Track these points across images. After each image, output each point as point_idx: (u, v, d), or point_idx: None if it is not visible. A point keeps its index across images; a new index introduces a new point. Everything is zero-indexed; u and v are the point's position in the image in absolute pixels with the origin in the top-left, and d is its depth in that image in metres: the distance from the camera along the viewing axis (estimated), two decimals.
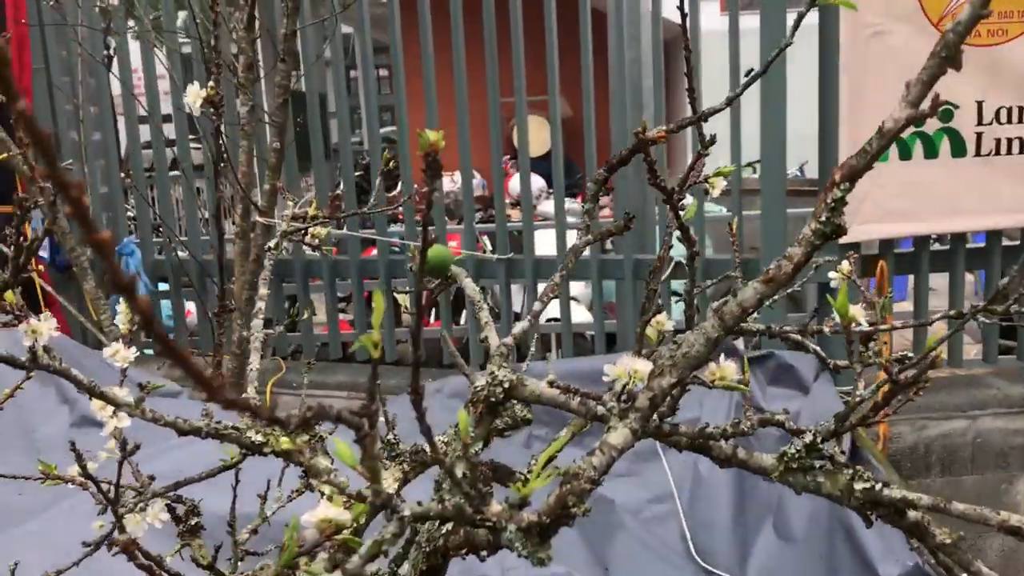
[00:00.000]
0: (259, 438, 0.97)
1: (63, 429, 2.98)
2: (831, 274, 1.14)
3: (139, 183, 4.03)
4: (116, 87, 4.03)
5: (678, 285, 3.93)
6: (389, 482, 0.98)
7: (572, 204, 5.17)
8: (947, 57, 0.59)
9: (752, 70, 0.92)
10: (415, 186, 3.72)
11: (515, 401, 0.97)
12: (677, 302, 4.09)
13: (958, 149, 3.33)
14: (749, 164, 6.16)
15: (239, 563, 1.16)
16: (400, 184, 4.08)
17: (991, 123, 3.30)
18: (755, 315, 0.90)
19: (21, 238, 0.87)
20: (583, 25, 3.61)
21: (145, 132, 4.10)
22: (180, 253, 3.95)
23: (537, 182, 6.29)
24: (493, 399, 0.93)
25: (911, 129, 3.27)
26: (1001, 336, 3.69)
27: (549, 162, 3.91)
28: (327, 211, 1.53)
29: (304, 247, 1.52)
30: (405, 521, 0.67)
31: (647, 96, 3.78)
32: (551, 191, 4.59)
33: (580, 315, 4.37)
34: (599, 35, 3.65)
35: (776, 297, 0.83)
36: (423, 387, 0.61)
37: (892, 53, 3.21)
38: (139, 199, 4.07)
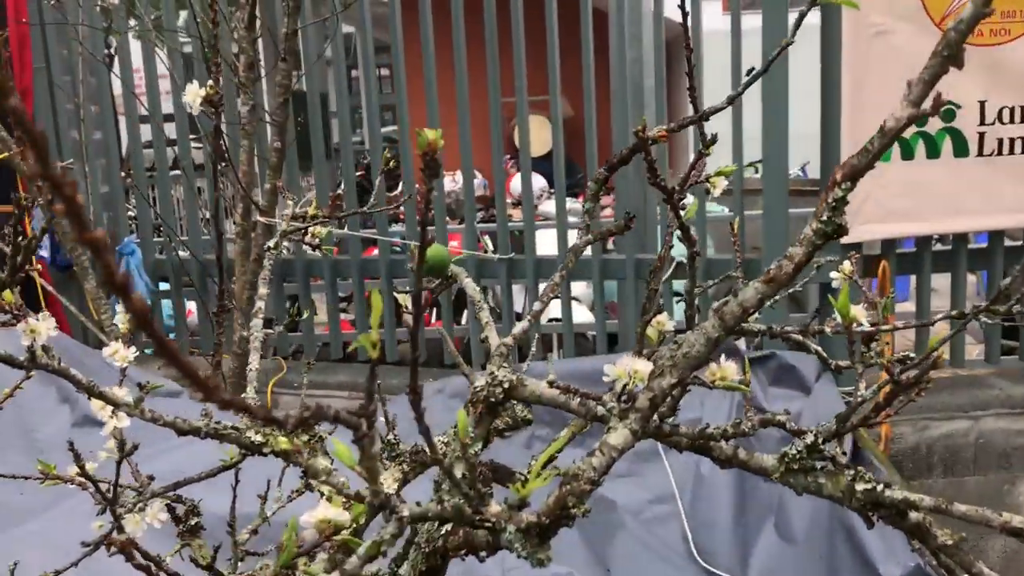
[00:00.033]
0: (258, 438, 0.97)
1: (64, 429, 2.97)
2: (833, 274, 1.14)
3: (140, 183, 4.03)
4: (117, 86, 4.03)
5: (679, 285, 3.92)
6: (388, 482, 0.97)
7: (573, 204, 5.17)
8: (949, 56, 0.59)
9: (753, 69, 0.92)
10: (416, 186, 3.71)
11: (515, 401, 0.97)
12: (679, 302, 4.09)
13: (960, 149, 3.32)
14: (751, 164, 6.16)
15: (239, 563, 1.16)
16: (401, 184, 4.07)
17: (993, 123, 3.30)
18: (756, 315, 0.89)
19: (20, 237, 0.86)
20: (584, 25, 3.60)
21: (146, 131, 4.09)
22: (181, 253, 3.95)
23: (538, 182, 6.29)
24: (493, 399, 0.93)
25: (913, 129, 3.29)
26: (1003, 336, 3.69)
27: (550, 162, 3.91)
28: (327, 210, 1.53)
29: (305, 247, 1.51)
30: (404, 522, 0.67)
31: (648, 96, 3.78)
32: (552, 191, 4.59)
33: (581, 315, 4.36)
34: (600, 35, 3.64)
35: (777, 297, 0.82)
36: (422, 387, 0.60)
37: (894, 53, 3.21)
38: (140, 199, 4.07)
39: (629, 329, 3.73)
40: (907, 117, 0.61)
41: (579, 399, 0.87)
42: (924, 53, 0.62)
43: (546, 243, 4.12)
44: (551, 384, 0.91)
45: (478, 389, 0.94)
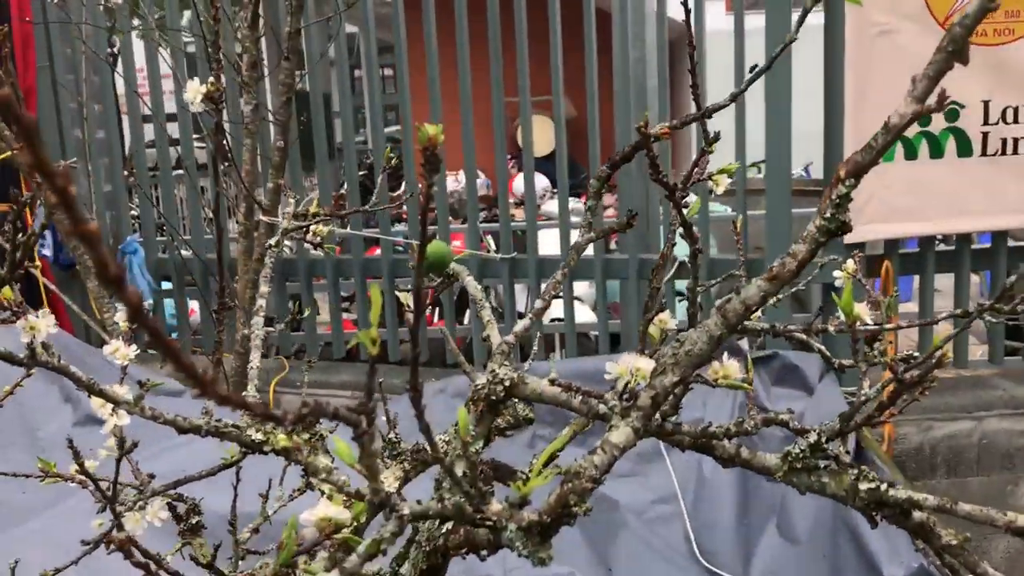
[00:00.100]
0: (259, 436, 0.97)
1: (66, 427, 2.98)
2: (836, 273, 1.13)
3: (143, 182, 4.03)
4: (120, 85, 4.03)
5: (682, 285, 3.91)
6: (390, 481, 0.97)
7: (576, 204, 5.17)
8: (954, 52, 0.58)
9: (757, 66, 0.91)
10: (419, 185, 3.71)
11: (517, 400, 0.97)
12: (681, 301, 4.07)
13: (964, 149, 3.32)
14: (754, 164, 6.15)
15: (240, 562, 1.16)
16: (404, 184, 4.08)
17: (997, 123, 3.29)
18: (759, 314, 0.89)
19: (20, 233, 0.86)
20: (587, 25, 3.60)
21: (149, 131, 4.10)
22: (184, 252, 3.95)
23: (541, 182, 6.28)
24: (494, 397, 0.92)
25: (917, 128, 3.29)
26: (1007, 337, 3.68)
27: (553, 162, 3.91)
28: (329, 209, 1.53)
29: (307, 246, 1.51)
30: (404, 520, 0.67)
31: (651, 96, 3.78)
32: (555, 191, 4.59)
33: (584, 315, 4.36)
34: (603, 35, 3.64)
35: (780, 296, 0.82)
36: (422, 385, 0.60)
37: (898, 52, 3.20)
38: (143, 198, 4.07)
39: (631, 329, 3.73)
40: (911, 113, 0.61)
41: (581, 397, 0.87)
42: (928, 53, 0.61)
43: (549, 243, 4.12)
44: (552, 382, 0.91)
45: (479, 387, 0.93)
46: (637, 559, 2.83)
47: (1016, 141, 3.30)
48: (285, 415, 0.49)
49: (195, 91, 1.06)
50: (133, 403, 0.92)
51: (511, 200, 4.73)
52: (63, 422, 3.04)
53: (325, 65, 4.51)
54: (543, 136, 6.04)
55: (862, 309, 0.88)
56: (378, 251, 4.00)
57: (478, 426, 0.94)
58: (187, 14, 4.57)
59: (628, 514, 2.92)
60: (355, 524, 0.74)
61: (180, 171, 4.28)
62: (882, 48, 3.23)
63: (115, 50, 4.09)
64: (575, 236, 1.04)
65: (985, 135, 3.30)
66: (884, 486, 0.80)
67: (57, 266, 3.93)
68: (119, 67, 3.91)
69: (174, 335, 4.18)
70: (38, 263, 3.58)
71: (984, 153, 3.31)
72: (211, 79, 1.08)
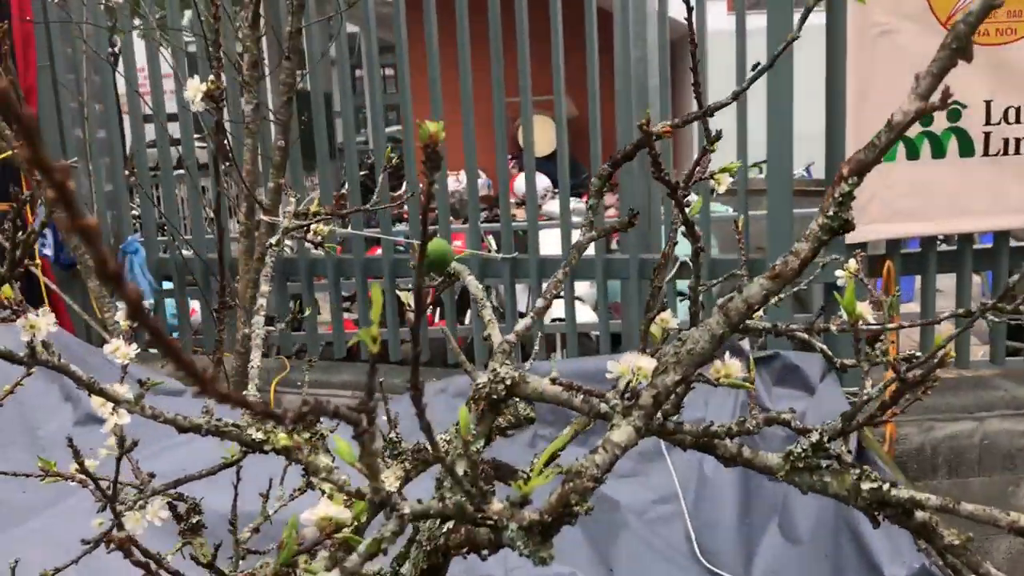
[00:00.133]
0: (260, 436, 0.96)
1: (66, 426, 2.97)
2: (838, 272, 1.13)
3: (144, 181, 4.03)
4: (121, 85, 4.03)
5: (683, 285, 3.91)
6: (390, 480, 0.97)
7: (577, 204, 5.17)
8: (958, 48, 0.58)
9: (759, 64, 0.91)
10: (419, 185, 3.71)
11: (518, 399, 0.96)
12: (682, 301, 4.08)
13: (966, 149, 3.31)
14: (755, 164, 6.15)
15: (240, 561, 1.15)
16: (405, 183, 4.07)
17: (999, 123, 3.28)
18: (761, 314, 0.89)
19: (19, 232, 0.86)
20: (589, 24, 3.60)
21: (150, 131, 4.09)
22: (185, 252, 3.95)
23: (542, 182, 6.28)
24: (495, 396, 0.92)
25: (919, 128, 3.28)
26: (1009, 337, 3.67)
27: (554, 162, 3.90)
28: (330, 209, 1.53)
29: (308, 245, 1.51)
30: (405, 519, 0.66)
31: (653, 96, 3.77)
32: (556, 191, 4.59)
33: (585, 315, 4.36)
34: (605, 34, 3.64)
35: (782, 295, 0.82)
36: (423, 384, 0.60)
37: (899, 52, 3.20)
38: (144, 197, 4.07)
39: (633, 329, 3.73)
40: (915, 111, 0.60)
41: (582, 396, 0.86)
42: (929, 53, 0.61)
43: (550, 243, 4.12)
44: (554, 381, 0.90)
45: (480, 386, 0.93)
46: (638, 559, 2.83)
47: (1018, 141, 3.30)
48: (285, 414, 0.49)
49: (195, 89, 1.06)
50: (133, 402, 0.92)
51: (512, 200, 4.73)
52: (63, 421, 3.04)
53: (326, 65, 4.50)
54: (544, 136, 6.04)
55: (864, 308, 0.88)
56: (379, 251, 4.00)
57: (479, 425, 0.93)
58: (188, 13, 4.57)
59: (629, 514, 2.92)
60: (356, 523, 0.73)
61: (181, 171, 4.28)
62: (884, 48, 3.23)
63: (116, 49, 4.09)
64: (576, 236, 1.04)
65: (987, 135, 3.30)
66: (886, 486, 0.80)
67: (58, 265, 3.93)
68: (120, 67, 3.91)
69: (175, 335, 4.18)
70: (38, 261, 3.58)
71: (986, 153, 3.31)
72: (211, 77, 1.07)
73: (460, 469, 0.74)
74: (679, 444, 0.89)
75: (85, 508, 1.11)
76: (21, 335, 0.88)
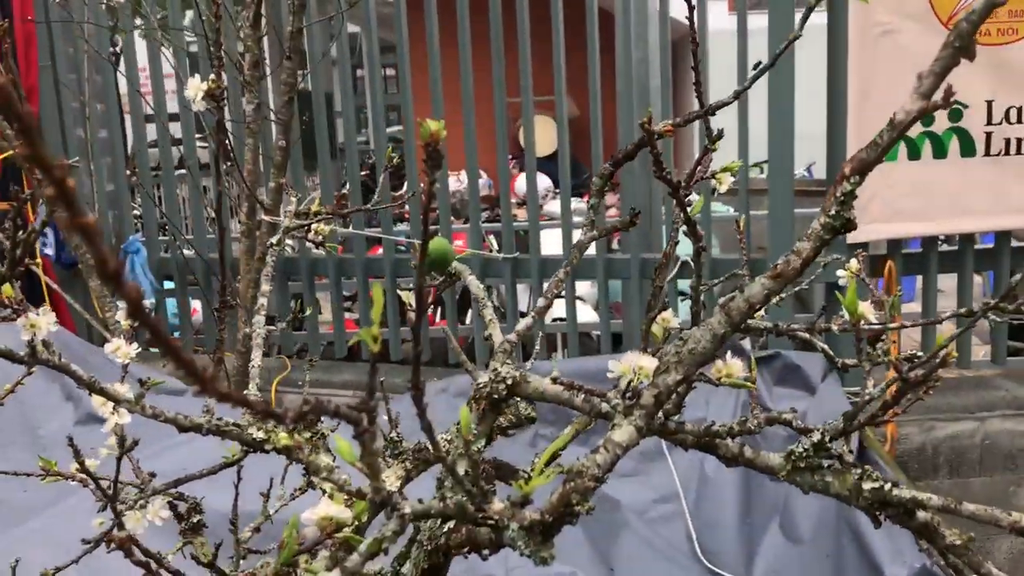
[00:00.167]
0: (260, 435, 0.96)
1: (67, 426, 2.97)
2: (839, 272, 1.13)
3: (145, 181, 4.03)
4: (123, 85, 4.03)
5: (684, 285, 3.91)
6: (391, 480, 0.97)
7: (578, 204, 5.17)
8: (961, 47, 0.58)
9: (760, 63, 0.91)
10: (421, 185, 3.71)
11: (519, 399, 0.96)
12: (683, 301, 4.08)
13: (967, 149, 3.31)
14: (756, 164, 6.14)
15: (241, 561, 1.15)
16: (406, 183, 4.08)
17: (1000, 123, 3.28)
18: (762, 314, 0.89)
19: (20, 231, 0.86)
20: (590, 25, 3.59)
21: (151, 130, 4.09)
22: (186, 251, 3.95)
23: (543, 182, 6.28)
24: (496, 396, 0.92)
25: (920, 128, 3.28)
26: (1010, 337, 3.67)
27: (555, 162, 3.90)
28: (330, 208, 1.53)
29: (309, 244, 1.51)
30: (406, 519, 0.66)
31: (654, 96, 3.77)
32: (557, 191, 4.58)
33: (586, 315, 4.35)
34: (606, 35, 3.64)
35: (784, 295, 0.82)
36: (424, 383, 0.60)
37: (901, 52, 3.20)
38: (145, 197, 4.07)
39: (634, 329, 3.72)
40: (917, 110, 0.60)
41: (583, 396, 0.86)
42: (931, 53, 0.61)
43: (551, 243, 4.11)
44: (555, 381, 0.90)
45: (481, 386, 0.93)
46: (639, 559, 2.83)
47: (1020, 141, 3.30)
48: (286, 413, 0.49)
49: (196, 88, 1.06)
50: (134, 401, 0.92)
51: (513, 200, 4.73)
52: (64, 420, 3.04)
53: (327, 64, 4.50)
54: (545, 136, 6.03)
55: (866, 308, 0.88)
56: (380, 250, 4.00)
57: (480, 425, 0.93)
58: (189, 13, 4.57)
59: (630, 514, 2.91)
60: (356, 523, 0.73)
61: (182, 171, 4.28)
62: (885, 48, 3.23)
63: (118, 49, 4.09)
64: (577, 236, 1.04)
65: (988, 135, 3.29)
66: (888, 486, 0.80)
67: (59, 265, 3.93)
68: (122, 66, 3.91)
69: (176, 334, 4.18)
70: (39, 260, 3.58)
71: (987, 153, 3.31)
72: (212, 77, 1.07)
73: (461, 469, 0.74)
74: (680, 444, 0.88)
75: (86, 508, 1.11)
76: (22, 334, 0.88)
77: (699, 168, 0.93)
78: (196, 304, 4.26)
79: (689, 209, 0.92)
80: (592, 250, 3.50)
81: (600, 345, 3.96)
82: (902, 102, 0.62)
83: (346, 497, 0.70)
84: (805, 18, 0.88)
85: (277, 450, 0.93)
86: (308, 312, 3.84)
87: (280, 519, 1.02)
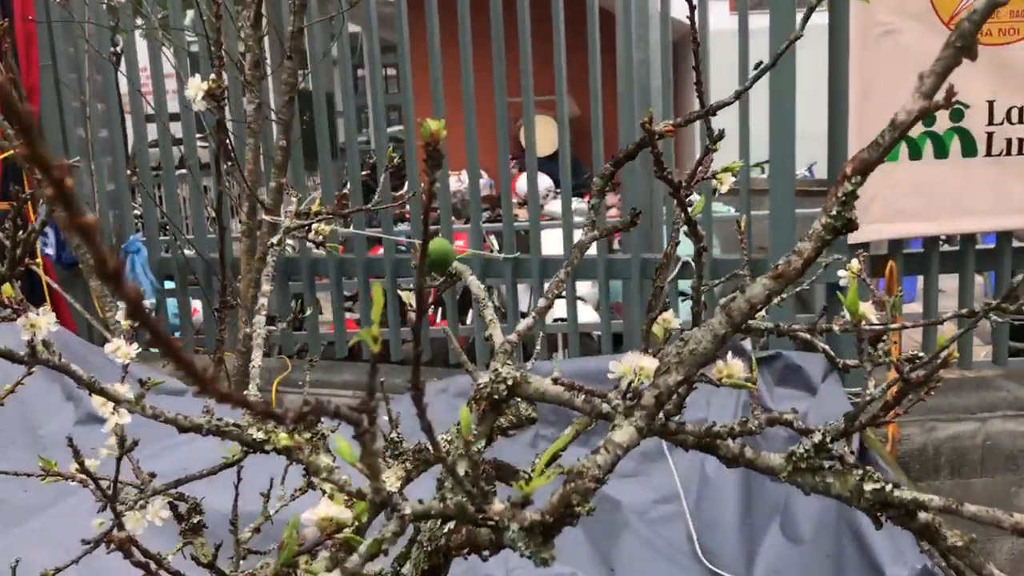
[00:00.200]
0: (260, 435, 0.96)
1: (67, 426, 2.97)
2: (840, 272, 1.13)
3: (146, 181, 4.03)
4: (123, 84, 4.03)
5: (685, 285, 3.91)
6: (391, 480, 0.97)
7: (579, 204, 5.17)
8: (963, 47, 0.58)
9: (761, 63, 0.91)
10: (421, 185, 3.71)
11: (519, 399, 0.96)
12: (684, 301, 4.08)
13: (968, 149, 3.31)
14: (758, 164, 6.14)
15: (241, 561, 1.15)
16: (407, 183, 4.08)
17: (1002, 123, 3.28)
18: (763, 314, 0.88)
19: (20, 231, 0.86)
20: (591, 25, 3.59)
21: (152, 130, 4.10)
22: (186, 251, 3.95)
23: (544, 182, 6.28)
24: (496, 396, 0.92)
25: (921, 128, 3.28)
26: (1011, 338, 3.67)
27: (556, 162, 3.90)
28: (331, 208, 1.53)
29: (309, 244, 1.51)
30: (406, 520, 0.66)
31: (655, 96, 3.77)
32: (558, 191, 4.58)
33: (587, 315, 4.35)
34: (607, 35, 3.63)
35: (785, 295, 0.81)
36: (424, 383, 0.59)
37: (902, 52, 3.19)
38: (146, 197, 4.07)
39: (634, 329, 3.72)
40: (919, 109, 0.60)
41: (584, 396, 0.86)
42: (932, 53, 0.61)
43: (552, 243, 4.11)
44: (555, 381, 0.90)
45: (482, 386, 0.93)
46: (639, 559, 2.83)
47: (1021, 141, 3.30)
48: (287, 414, 0.49)
49: (196, 88, 1.06)
50: (134, 402, 0.92)
51: (514, 200, 4.73)
52: (64, 420, 3.04)
53: (328, 64, 4.50)
54: (546, 136, 6.03)
55: (867, 309, 0.87)
56: (381, 250, 4.00)
57: (480, 425, 0.93)
58: (190, 13, 4.57)
59: (630, 514, 2.91)
60: (357, 524, 0.73)
61: (183, 170, 4.28)
62: (886, 48, 3.23)
63: (118, 49, 4.09)
64: (578, 236, 1.04)
65: (990, 135, 3.29)
66: (889, 487, 0.80)
67: (60, 265, 3.94)
68: (122, 66, 3.91)
69: (177, 334, 4.18)
70: (39, 260, 3.58)
71: (989, 153, 3.31)
72: (213, 77, 1.07)
73: (461, 469, 0.74)
74: (681, 444, 0.88)
75: (85, 508, 1.11)
76: (22, 334, 0.88)
77: (700, 168, 0.93)
78: (197, 304, 4.26)
79: (690, 209, 0.91)
80: (593, 250, 3.50)
81: (601, 345, 3.95)
82: (903, 102, 0.62)
83: (346, 498, 0.70)
84: (806, 18, 0.88)
85: (277, 450, 0.93)
86: (309, 312, 3.84)
87: (280, 520, 1.02)
